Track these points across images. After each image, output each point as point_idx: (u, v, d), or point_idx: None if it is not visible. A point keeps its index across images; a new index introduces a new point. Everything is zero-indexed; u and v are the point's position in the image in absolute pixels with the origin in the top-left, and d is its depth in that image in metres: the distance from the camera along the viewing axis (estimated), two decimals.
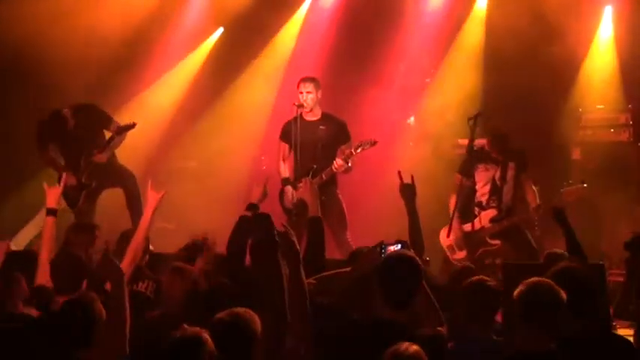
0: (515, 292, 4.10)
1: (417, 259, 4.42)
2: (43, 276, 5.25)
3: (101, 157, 8.11)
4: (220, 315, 4.04)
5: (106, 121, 8.28)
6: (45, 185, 5.81)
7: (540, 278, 4.17)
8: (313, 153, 7.91)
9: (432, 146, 9.78)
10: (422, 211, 5.20)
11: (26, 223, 9.25)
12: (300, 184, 7.44)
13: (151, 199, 5.50)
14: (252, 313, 4.02)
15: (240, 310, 4.03)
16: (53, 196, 5.67)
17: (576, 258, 5.08)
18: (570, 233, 5.60)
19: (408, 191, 5.11)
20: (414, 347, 3.73)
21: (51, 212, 5.58)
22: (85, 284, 5.24)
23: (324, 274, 4.99)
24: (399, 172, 5.16)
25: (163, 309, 4.94)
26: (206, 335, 3.71)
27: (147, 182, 5.67)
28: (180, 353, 3.68)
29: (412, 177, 5.14)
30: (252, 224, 5.25)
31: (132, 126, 8.08)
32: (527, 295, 4.05)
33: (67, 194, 7.83)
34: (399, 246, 4.75)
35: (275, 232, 4.44)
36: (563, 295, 4.02)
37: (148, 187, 5.60)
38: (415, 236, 4.97)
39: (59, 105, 8.24)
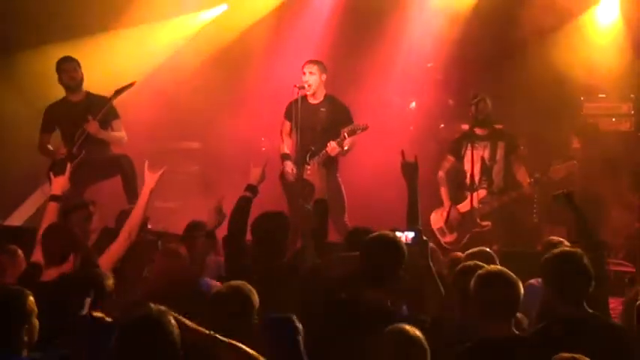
0: (472, 284, 4.10)
1: (399, 240, 4.46)
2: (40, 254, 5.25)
3: (93, 125, 7.88)
4: (220, 288, 4.12)
5: (114, 114, 8.19)
6: (51, 174, 5.80)
7: (494, 267, 4.20)
8: (313, 135, 7.92)
9: (432, 131, 9.78)
10: (421, 195, 5.18)
11: (25, 200, 9.27)
12: (308, 167, 7.48)
13: (148, 179, 5.51)
14: (248, 285, 4.06)
15: (239, 282, 4.08)
16: (59, 184, 5.63)
17: (579, 244, 5.00)
18: (580, 218, 5.42)
19: (409, 169, 5.06)
20: (417, 332, 3.72)
21: (55, 199, 5.56)
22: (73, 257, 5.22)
23: (343, 254, 5.03)
24: (403, 152, 5.13)
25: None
26: (170, 317, 3.29)
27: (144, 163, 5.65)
28: (134, 336, 3.24)
29: (415, 156, 5.11)
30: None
31: (130, 85, 7.96)
32: (480, 287, 4.06)
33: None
34: (413, 234, 4.74)
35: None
36: (520, 285, 4.04)
37: (144, 167, 5.59)
38: (412, 215, 4.92)
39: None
